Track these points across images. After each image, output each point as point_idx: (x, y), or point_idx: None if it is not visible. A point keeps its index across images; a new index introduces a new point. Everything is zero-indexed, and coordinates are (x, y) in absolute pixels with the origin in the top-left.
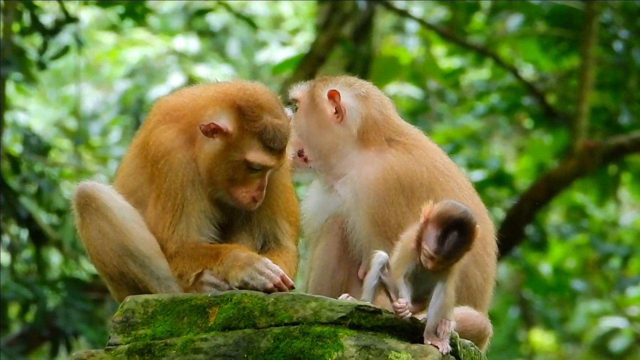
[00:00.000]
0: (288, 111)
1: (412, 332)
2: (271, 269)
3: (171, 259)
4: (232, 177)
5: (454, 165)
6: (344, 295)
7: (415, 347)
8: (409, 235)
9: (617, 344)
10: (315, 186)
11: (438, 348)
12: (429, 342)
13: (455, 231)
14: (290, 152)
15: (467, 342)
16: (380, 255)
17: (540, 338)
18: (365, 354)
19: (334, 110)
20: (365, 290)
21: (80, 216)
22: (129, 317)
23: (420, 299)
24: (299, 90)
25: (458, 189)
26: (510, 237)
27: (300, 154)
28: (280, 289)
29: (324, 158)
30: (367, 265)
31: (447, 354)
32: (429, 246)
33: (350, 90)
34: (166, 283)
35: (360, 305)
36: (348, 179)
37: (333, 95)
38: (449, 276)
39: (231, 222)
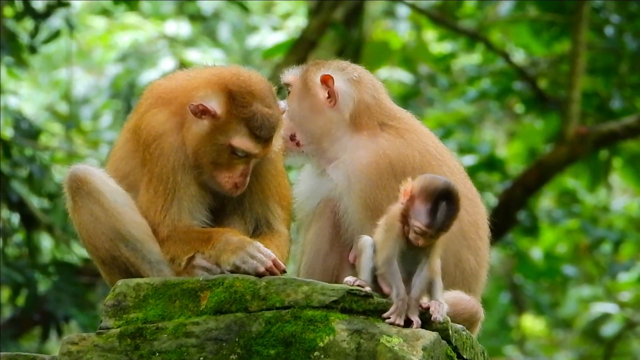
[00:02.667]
0: (282, 103)
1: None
2: (263, 252)
3: (163, 243)
4: (216, 161)
5: (446, 149)
6: (349, 278)
7: (407, 331)
8: (391, 216)
9: (608, 330)
10: (307, 170)
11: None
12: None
13: (444, 201)
14: (278, 140)
15: (459, 326)
16: (368, 239)
17: (531, 323)
18: (357, 338)
19: (327, 95)
20: (362, 272)
21: (72, 200)
22: (121, 301)
23: (410, 281)
24: (291, 75)
25: (450, 173)
26: (502, 222)
27: (292, 138)
28: (272, 273)
29: (317, 142)
30: (357, 249)
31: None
32: (421, 221)
33: (343, 75)
34: (158, 267)
35: (352, 290)
36: (340, 163)
37: (326, 80)
38: (432, 251)
39: (223, 206)
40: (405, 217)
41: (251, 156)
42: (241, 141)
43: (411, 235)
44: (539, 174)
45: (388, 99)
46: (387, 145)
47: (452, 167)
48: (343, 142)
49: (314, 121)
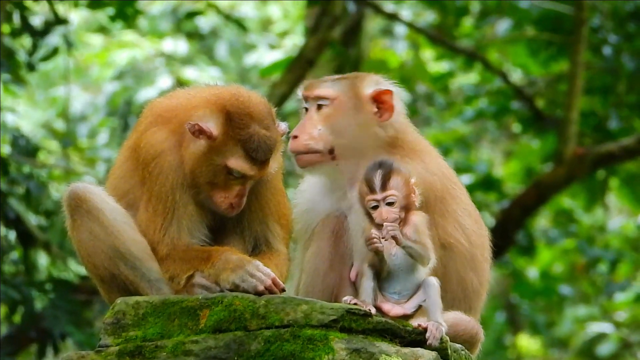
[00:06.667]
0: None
1: (404, 335)
2: (262, 271)
3: (162, 261)
4: (213, 181)
5: (450, 168)
6: (347, 298)
7: (406, 350)
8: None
9: (604, 349)
10: (310, 182)
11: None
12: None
13: (378, 170)
14: (277, 161)
15: (458, 346)
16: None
17: (527, 342)
18: (356, 357)
19: (375, 110)
20: (363, 293)
21: (71, 218)
22: (120, 319)
23: (408, 296)
24: (330, 88)
25: (462, 194)
26: (499, 242)
27: (330, 151)
28: (271, 292)
29: (356, 159)
30: (358, 266)
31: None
32: (366, 194)
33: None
34: (157, 285)
35: (351, 309)
36: None
37: (382, 94)
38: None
39: (222, 225)
40: (367, 213)
41: (247, 178)
42: (237, 163)
43: (374, 215)
44: (537, 194)
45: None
46: (413, 172)
47: (461, 188)
48: None
49: (361, 137)
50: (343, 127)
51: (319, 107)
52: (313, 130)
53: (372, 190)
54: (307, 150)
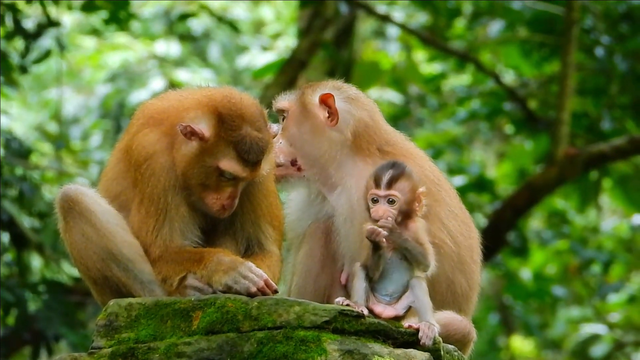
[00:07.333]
0: (274, 126)
1: (396, 336)
2: (255, 273)
3: (155, 263)
4: (204, 183)
5: (439, 171)
6: (339, 299)
7: (398, 351)
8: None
9: (597, 350)
10: (298, 191)
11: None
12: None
13: (387, 168)
14: (269, 162)
15: (451, 347)
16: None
17: (521, 344)
18: (349, 359)
19: (327, 115)
20: (355, 294)
21: (63, 220)
22: (113, 321)
23: (398, 297)
24: (285, 100)
25: (448, 197)
26: (492, 243)
27: (293, 163)
28: (263, 293)
29: (320, 166)
30: (349, 270)
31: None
32: (371, 190)
33: (341, 93)
34: (150, 287)
35: (344, 310)
36: (345, 190)
37: (326, 99)
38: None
39: (215, 226)
40: (368, 209)
41: (239, 179)
42: (229, 164)
43: (372, 214)
44: (529, 195)
45: (383, 120)
46: None
47: (447, 191)
48: (347, 168)
49: (316, 144)
50: (297, 136)
51: (283, 120)
52: (276, 145)
53: (377, 185)
54: (275, 165)
